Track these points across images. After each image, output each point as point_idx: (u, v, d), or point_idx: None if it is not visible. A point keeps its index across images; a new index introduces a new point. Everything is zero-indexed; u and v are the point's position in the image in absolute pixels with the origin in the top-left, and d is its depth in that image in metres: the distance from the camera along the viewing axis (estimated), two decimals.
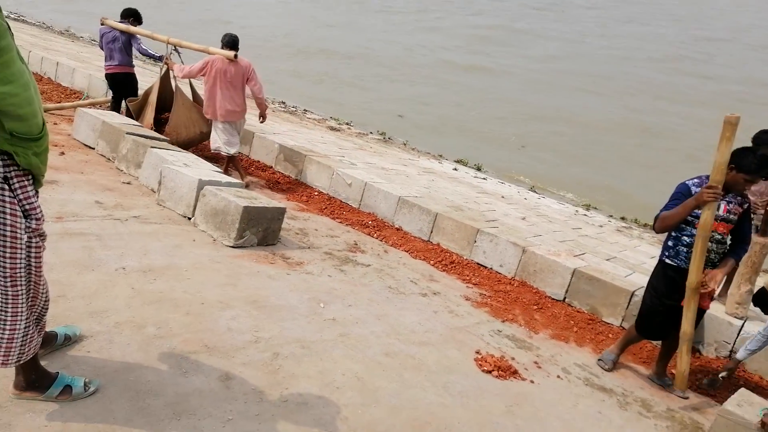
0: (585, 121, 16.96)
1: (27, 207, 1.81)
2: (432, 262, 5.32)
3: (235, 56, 5.90)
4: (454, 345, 3.63)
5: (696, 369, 4.21)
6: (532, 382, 3.42)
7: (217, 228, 4.39)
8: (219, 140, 6.10)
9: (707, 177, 3.40)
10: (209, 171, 5.07)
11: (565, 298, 4.99)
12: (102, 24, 6.84)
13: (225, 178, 4.91)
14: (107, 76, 6.97)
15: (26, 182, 1.81)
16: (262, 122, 6.49)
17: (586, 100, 19.05)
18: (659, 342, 4.15)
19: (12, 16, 19.55)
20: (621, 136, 16.14)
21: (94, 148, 5.99)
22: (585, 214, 9.43)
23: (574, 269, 4.95)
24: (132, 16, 6.91)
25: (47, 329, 2.42)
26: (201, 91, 6.31)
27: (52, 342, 2.34)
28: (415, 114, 16.17)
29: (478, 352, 3.61)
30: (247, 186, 5.83)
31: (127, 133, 5.61)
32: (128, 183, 5.17)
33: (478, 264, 5.45)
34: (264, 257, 4.25)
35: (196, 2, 24.86)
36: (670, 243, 3.59)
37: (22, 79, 1.70)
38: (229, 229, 4.31)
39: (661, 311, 3.64)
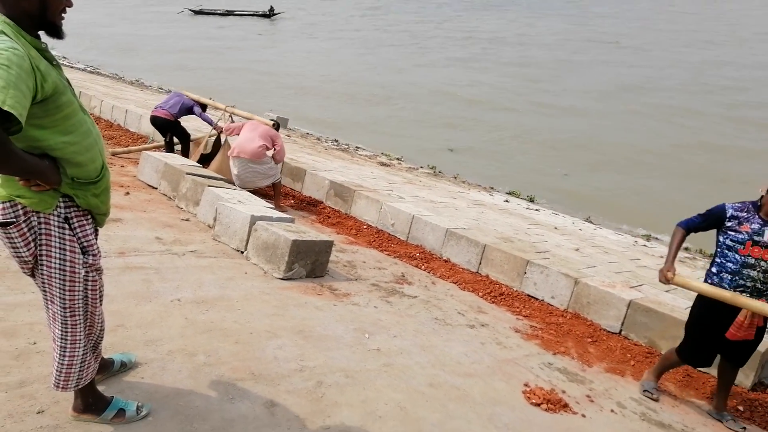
0: (645, 148, 16.50)
1: (85, 244, 1.96)
2: (480, 293, 5.27)
3: (274, 124, 6.92)
4: (501, 377, 3.56)
5: (766, 404, 3.93)
6: (583, 416, 3.30)
7: (267, 261, 4.54)
8: (232, 174, 6.65)
9: (752, 204, 3.34)
10: (262, 207, 5.28)
11: (621, 330, 4.80)
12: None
13: (276, 214, 5.09)
14: (152, 118, 7.70)
15: (85, 221, 1.97)
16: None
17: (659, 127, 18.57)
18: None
19: (88, 69, 21.20)
20: (682, 160, 15.57)
21: (156, 188, 6.36)
22: (645, 245, 9.09)
23: (630, 300, 4.77)
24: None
25: (105, 356, 2.57)
26: None
27: (109, 368, 2.49)
28: (466, 145, 16.22)
29: (526, 385, 3.52)
30: (276, 209, 6.30)
31: (187, 173, 5.93)
32: (187, 220, 5.44)
33: (528, 296, 5.35)
34: (312, 289, 4.35)
35: (245, 54, 26.24)
36: (714, 269, 3.48)
37: (82, 128, 1.88)
38: (279, 262, 4.45)
39: (704, 338, 3.53)
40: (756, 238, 3.29)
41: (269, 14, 42.27)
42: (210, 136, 8.07)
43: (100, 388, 2.41)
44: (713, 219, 3.40)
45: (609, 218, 11.50)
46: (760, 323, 3.30)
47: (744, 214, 3.35)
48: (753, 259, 3.30)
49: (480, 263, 5.73)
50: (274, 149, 6.70)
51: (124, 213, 5.15)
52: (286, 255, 4.41)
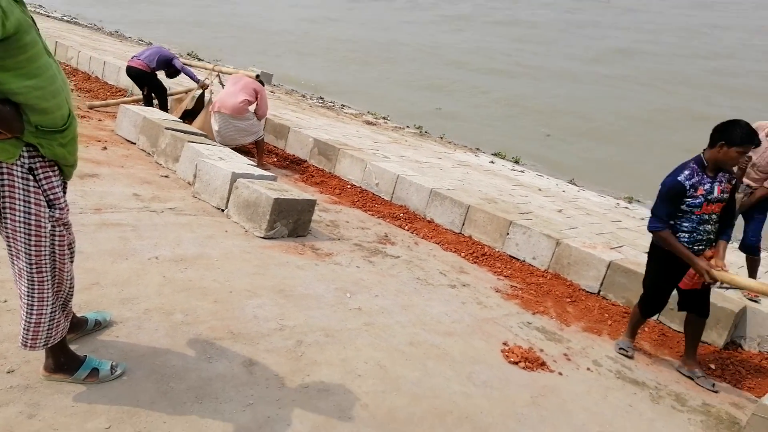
0: (634, 113, 16.46)
1: (51, 197, 1.88)
2: (463, 254, 5.28)
3: (258, 77, 6.70)
4: (480, 336, 3.60)
5: (737, 362, 4.04)
6: (560, 374, 3.35)
7: (248, 219, 4.48)
8: (215, 129, 6.45)
9: (696, 163, 3.41)
10: (243, 165, 5.17)
11: (599, 290, 4.87)
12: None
13: (258, 172, 5.00)
14: (127, 69, 7.40)
15: (51, 173, 1.89)
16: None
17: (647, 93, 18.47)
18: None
19: (65, 18, 20.40)
20: (667, 128, 15.58)
21: (135, 143, 6.20)
22: (626, 207, 9.16)
23: (609, 261, 4.82)
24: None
25: (79, 315, 2.53)
26: None
27: (82, 327, 2.45)
28: (452, 108, 16.02)
29: (505, 344, 3.56)
30: (259, 167, 6.25)
31: (166, 128, 5.78)
32: (166, 176, 5.33)
33: (510, 256, 5.38)
34: (293, 248, 4.32)
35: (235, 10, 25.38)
36: None
37: (48, 72, 1.77)
38: (261, 221, 4.39)
39: (662, 293, 3.73)
40: (709, 197, 3.43)
41: None
42: (189, 91, 7.86)
43: (74, 347, 2.37)
44: (677, 198, 3.43)
45: (592, 181, 11.55)
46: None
47: (696, 178, 3.43)
48: (707, 215, 3.46)
49: (463, 224, 5.73)
50: (256, 104, 6.52)
51: (101, 168, 5.02)
52: (268, 213, 4.35)
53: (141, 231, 3.84)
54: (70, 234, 2.04)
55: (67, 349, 2.17)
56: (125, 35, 19.92)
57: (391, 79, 18.23)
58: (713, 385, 3.64)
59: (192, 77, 7.49)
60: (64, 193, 2.01)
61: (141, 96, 8.25)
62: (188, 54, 18.05)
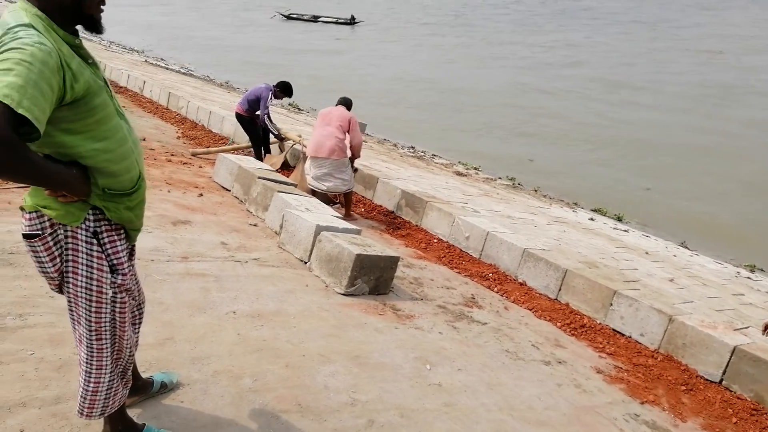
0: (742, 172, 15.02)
1: (115, 262, 1.79)
2: (559, 324, 4.80)
3: (345, 103, 6.57)
4: (579, 428, 3.13)
5: None
6: None
7: (330, 274, 4.33)
8: (309, 174, 6.37)
9: None
10: (329, 216, 5.09)
11: (722, 380, 4.18)
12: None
13: (343, 224, 4.89)
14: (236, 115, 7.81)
15: (116, 237, 1.80)
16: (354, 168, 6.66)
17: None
18: None
19: (182, 71, 22.27)
20: None
21: (230, 191, 6.36)
22: (749, 277, 8.13)
23: (734, 346, 4.15)
24: (281, 88, 7.64)
25: (147, 374, 2.43)
26: None
27: (147, 389, 2.33)
28: (549, 159, 15.45)
29: None
30: (346, 217, 6.29)
31: (259, 177, 5.87)
32: (255, 225, 5.36)
33: (613, 330, 4.81)
34: (373, 307, 4.09)
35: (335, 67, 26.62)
36: None
37: (117, 134, 1.70)
38: (341, 276, 4.23)
39: None
40: None
41: (351, 22, 43.48)
42: (288, 140, 8.07)
43: (136, 410, 2.26)
44: None
45: (707, 243, 10.46)
46: None
47: None
48: None
49: (560, 289, 5.25)
50: (349, 134, 6.30)
51: (195, 215, 5.13)
52: (349, 269, 4.18)
53: (223, 282, 3.79)
54: (133, 299, 1.94)
55: (126, 418, 2.05)
56: (234, 86, 21.34)
57: (482, 126, 18.04)
58: None
59: (270, 130, 7.67)
60: (131, 257, 1.92)
61: (243, 144, 8.60)
62: (290, 105, 18.96)
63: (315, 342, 3.28)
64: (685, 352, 4.40)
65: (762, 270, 9.36)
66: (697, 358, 4.33)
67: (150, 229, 4.42)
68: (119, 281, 1.80)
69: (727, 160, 15.82)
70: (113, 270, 1.78)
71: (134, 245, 1.96)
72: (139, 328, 2.11)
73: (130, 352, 1.97)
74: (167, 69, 20.82)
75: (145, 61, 22.17)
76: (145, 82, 12.90)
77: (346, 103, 6.58)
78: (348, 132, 6.32)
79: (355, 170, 6.74)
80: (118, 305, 1.82)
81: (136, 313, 2.06)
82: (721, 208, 12.68)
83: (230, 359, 2.84)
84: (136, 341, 2.14)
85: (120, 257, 1.80)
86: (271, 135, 7.99)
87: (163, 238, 4.29)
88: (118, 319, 1.83)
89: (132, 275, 1.90)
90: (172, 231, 4.52)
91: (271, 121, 7.63)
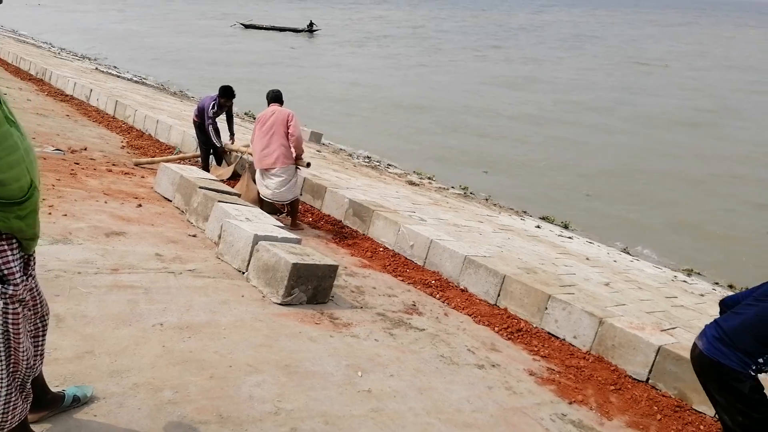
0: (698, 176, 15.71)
1: (5, 272, 1.75)
2: (496, 328, 4.90)
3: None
4: (505, 429, 3.21)
5: None
6: None
7: (267, 284, 4.31)
8: (260, 185, 6.40)
9: None
10: (270, 226, 5.08)
11: (648, 379, 4.35)
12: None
13: (282, 234, 4.88)
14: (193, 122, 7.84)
15: (6, 247, 1.76)
16: (301, 165, 6.52)
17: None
18: None
19: (134, 79, 21.80)
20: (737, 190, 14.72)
21: (171, 201, 6.26)
22: (684, 281, 8.49)
23: (659, 346, 4.32)
24: (220, 93, 7.57)
25: (59, 389, 2.37)
26: None
27: (58, 403, 2.28)
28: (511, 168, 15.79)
29: None
30: (292, 227, 6.32)
31: (200, 187, 5.81)
32: (194, 236, 5.29)
33: (548, 333, 4.94)
34: (310, 317, 4.09)
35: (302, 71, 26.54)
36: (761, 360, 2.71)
37: (6, 142, 1.68)
38: (278, 286, 4.22)
39: None
40: None
41: (309, 29, 43.75)
42: (235, 153, 8.02)
43: (45, 425, 2.20)
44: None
45: (651, 250, 10.87)
46: None
47: None
48: None
49: (498, 295, 5.37)
50: (290, 131, 6.20)
51: (130, 226, 5.03)
52: (286, 279, 4.17)
53: (153, 294, 3.73)
54: (30, 310, 1.90)
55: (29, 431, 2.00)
56: (189, 95, 21.02)
57: (440, 137, 18.31)
58: None
59: (211, 139, 7.59)
60: (26, 267, 1.88)
61: (187, 153, 8.49)
62: (245, 114, 18.80)
63: (244, 352, 3.26)
64: (615, 353, 4.56)
65: (699, 274, 9.78)
66: (625, 359, 4.49)
67: (80, 240, 4.31)
68: (10, 292, 1.76)
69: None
70: (3, 280, 1.74)
71: (33, 255, 1.92)
72: (43, 340, 2.07)
73: (28, 364, 1.92)
74: (118, 77, 20.35)
75: (96, 69, 21.60)
76: (91, 90, 12.58)
77: (278, 98, 6.45)
78: (289, 130, 6.26)
79: (308, 164, 6.59)
80: (10, 316, 1.77)
81: (39, 325, 2.02)
82: (667, 215, 13.20)
83: (152, 371, 2.80)
84: (41, 354, 2.09)
85: (11, 267, 1.76)
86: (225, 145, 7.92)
87: (94, 249, 4.19)
88: (11, 330, 1.79)
89: (27, 286, 1.86)
90: (104, 242, 4.42)
91: (215, 132, 7.56)
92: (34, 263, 1.93)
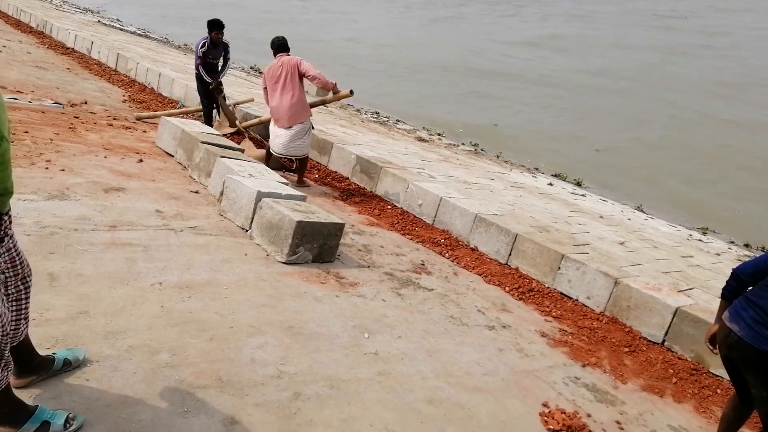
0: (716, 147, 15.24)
1: None
2: (507, 288, 4.76)
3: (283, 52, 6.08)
4: (516, 393, 3.10)
5: None
6: None
7: (271, 242, 4.17)
8: (272, 139, 6.20)
9: None
10: (273, 182, 4.89)
11: (664, 341, 4.22)
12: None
13: (286, 190, 4.70)
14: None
15: None
16: (344, 96, 6.16)
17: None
18: None
19: (138, 32, 21.28)
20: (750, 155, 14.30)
21: (173, 156, 6.08)
22: (700, 239, 8.28)
23: (676, 308, 4.17)
24: (208, 29, 7.23)
25: (49, 352, 2.26)
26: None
27: (47, 367, 2.16)
28: (511, 124, 15.40)
29: (545, 405, 3.05)
30: (299, 184, 6.20)
31: (201, 142, 5.61)
32: (196, 192, 5.13)
33: (561, 294, 4.80)
34: (315, 276, 3.96)
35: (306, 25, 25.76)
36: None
37: None
38: (282, 244, 4.07)
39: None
40: None
41: None
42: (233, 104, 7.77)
43: (34, 391, 2.10)
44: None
45: (663, 207, 10.63)
46: None
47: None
48: None
49: (510, 254, 5.21)
50: (310, 75, 5.85)
51: (131, 182, 4.87)
52: (290, 237, 4.02)
53: (152, 252, 3.59)
54: (7, 273, 1.75)
55: (12, 399, 1.88)
56: (192, 48, 20.53)
57: (448, 93, 17.84)
58: None
59: (203, 76, 7.29)
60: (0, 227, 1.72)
61: (188, 108, 8.25)
62: (251, 68, 18.32)
63: (246, 313, 3.13)
64: (630, 314, 4.42)
65: (714, 232, 9.57)
66: (640, 320, 4.35)
67: (78, 196, 4.16)
68: None
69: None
70: None
71: (8, 213, 1.76)
72: (26, 303, 1.93)
73: (4, 331, 1.78)
74: (121, 30, 19.86)
75: (98, 21, 21.09)
76: (93, 42, 12.24)
77: (284, 46, 6.07)
78: (303, 77, 5.98)
79: (351, 92, 6.12)
80: None
81: (21, 287, 1.88)
82: (683, 173, 12.88)
83: (148, 333, 2.68)
84: (26, 317, 1.96)
85: None
86: (225, 99, 7.64)
87: (91, 206, 4.05)
88: None
89: (5, 246, 1.71)
90: (102, 198, 4.27)
91: (204, 70, 7.25)
92: (10, 221, 1.77)
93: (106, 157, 5.38)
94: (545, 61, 22.62)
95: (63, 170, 4.65)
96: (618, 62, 21.77)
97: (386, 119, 14.17)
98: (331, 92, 6.18)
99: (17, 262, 1.83)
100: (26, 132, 5.40)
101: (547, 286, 4.89)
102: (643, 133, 15.30)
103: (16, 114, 5.98)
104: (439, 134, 13.50)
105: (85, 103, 7.57)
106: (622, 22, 29.41)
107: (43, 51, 11.58)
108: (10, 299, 1.87)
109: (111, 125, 6.79)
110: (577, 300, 4.72)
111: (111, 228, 3.79)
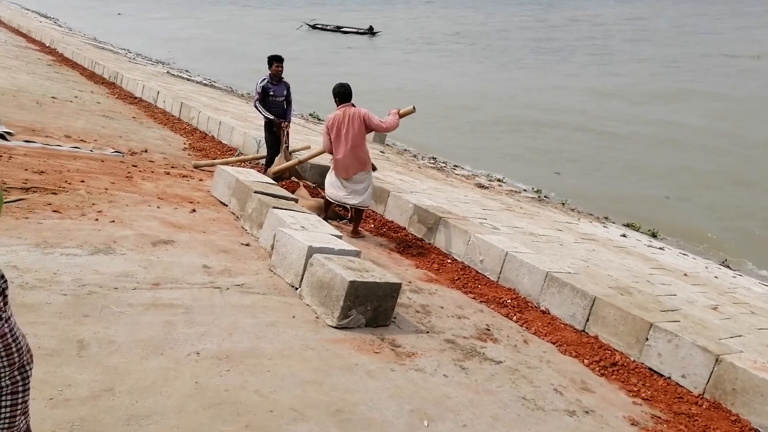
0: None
1: None
2: (586, 361, 4.17)
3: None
4: None
5: None
6: None
7: (321, 303, 3.81)
8: (333, 189, 6.03)
9: None
10: (327, 236, 4.58)
11: None
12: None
13: (339, 245, 4.37)
14: None
15: None
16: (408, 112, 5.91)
17: None
18: None
19: (204, 82, 22.19)
20: None
21: (227, 206, 5.92)
22: None
23: None
24: (269, 62, 7.29)
25: None
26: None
27: None
28: (575, 172, 14.73)
29: None
30: (354, 234, 5.93)
31: (255, 192, 5.41)
32: (247, 245, 4.88)
33: (650, 370, 4.16)
34: (369, 343, 3.55)
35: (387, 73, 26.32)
36: None
37: None
38: (333, 307, 3.70)
39: None
40: None
41: (370, 32, 44.43)
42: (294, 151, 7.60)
43: None
44: None
45: (751, 262, 9.64)
46: None
47: None
48: None
49: (587, 320, 4.62)
50: (374, 124, 5.73)
51: (181, 234, 4.68)
52: (342, 298, 3.65)
53: (193, 314, 3.31)
54: (4, 361, 1.45)
55: None
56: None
57: (509, 140, 17.40)
58: None
59: (261, 113, 7.27)
60: None
61: (246, 156, 8.19)
62: (310, 114, 18.60)
63: (289, 392, 2.75)
64: (736, 399, 3.73)
65: None
66: (750, 407, 3.66)
67: (124, 250, 3.98)
68: None
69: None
70: None
71: (4, 293, 1.47)
72: (24, 396, 1.61)
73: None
74: (188, 80, 20.74)
75: (167, 72, 22.17)
76: (158, 92, 12.68)
77: (347, 96, 5.82)
78: (368, 130, 5.82)
79: (413, 108, 5.88)
80: None
81: (17, 378, 1.57)
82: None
83: (177, 418, 2.34)
84: (25, 412, 1.65)
85: None
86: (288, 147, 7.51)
87: (136, 261, 3.84)
88: None
89: None
90: (149, 253, 4.07)
91: (262, 106, 7.25)
92: (5, 302, 1.48)
93: (159, 207, 5.26)
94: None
95: (113, 221, 4.51)
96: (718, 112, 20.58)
97: (444, 164, 13.84)
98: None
99: (13, 350, 1.53)
100: (82, 181, 5.38)
101: (633, 359, 4.26)
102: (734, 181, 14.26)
103: (75, 163, 6.02)
104: (498, 180, 13.02)
105: (146, 151, 7.64)
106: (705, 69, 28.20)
107: (112, 101, 12.07)
108: (3, 392, 1.56)
109: (168, 173, 6.76)
110: (669, 378, 4.06)
111: (153, 286, 3.55)
